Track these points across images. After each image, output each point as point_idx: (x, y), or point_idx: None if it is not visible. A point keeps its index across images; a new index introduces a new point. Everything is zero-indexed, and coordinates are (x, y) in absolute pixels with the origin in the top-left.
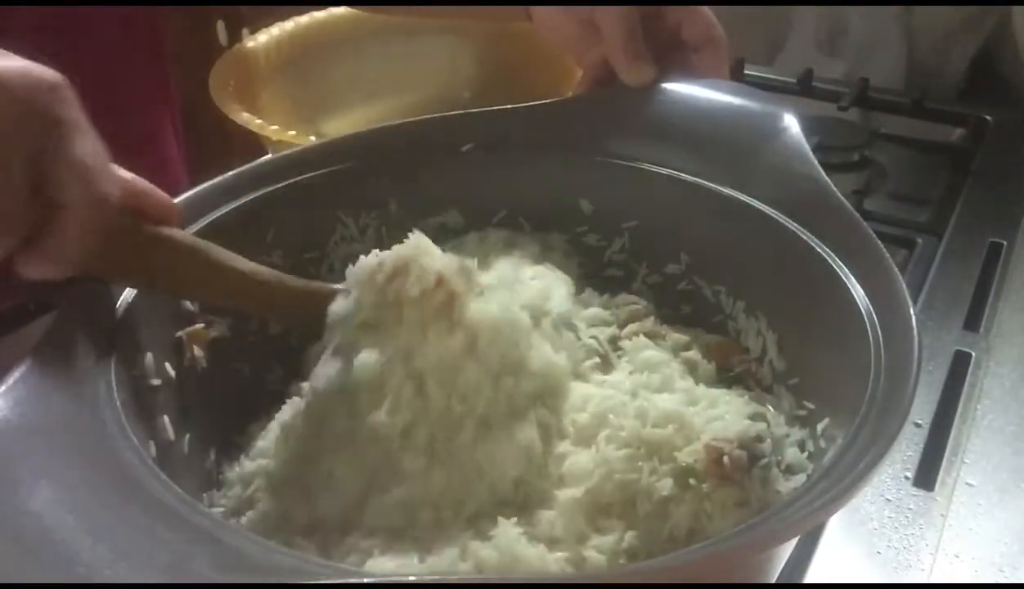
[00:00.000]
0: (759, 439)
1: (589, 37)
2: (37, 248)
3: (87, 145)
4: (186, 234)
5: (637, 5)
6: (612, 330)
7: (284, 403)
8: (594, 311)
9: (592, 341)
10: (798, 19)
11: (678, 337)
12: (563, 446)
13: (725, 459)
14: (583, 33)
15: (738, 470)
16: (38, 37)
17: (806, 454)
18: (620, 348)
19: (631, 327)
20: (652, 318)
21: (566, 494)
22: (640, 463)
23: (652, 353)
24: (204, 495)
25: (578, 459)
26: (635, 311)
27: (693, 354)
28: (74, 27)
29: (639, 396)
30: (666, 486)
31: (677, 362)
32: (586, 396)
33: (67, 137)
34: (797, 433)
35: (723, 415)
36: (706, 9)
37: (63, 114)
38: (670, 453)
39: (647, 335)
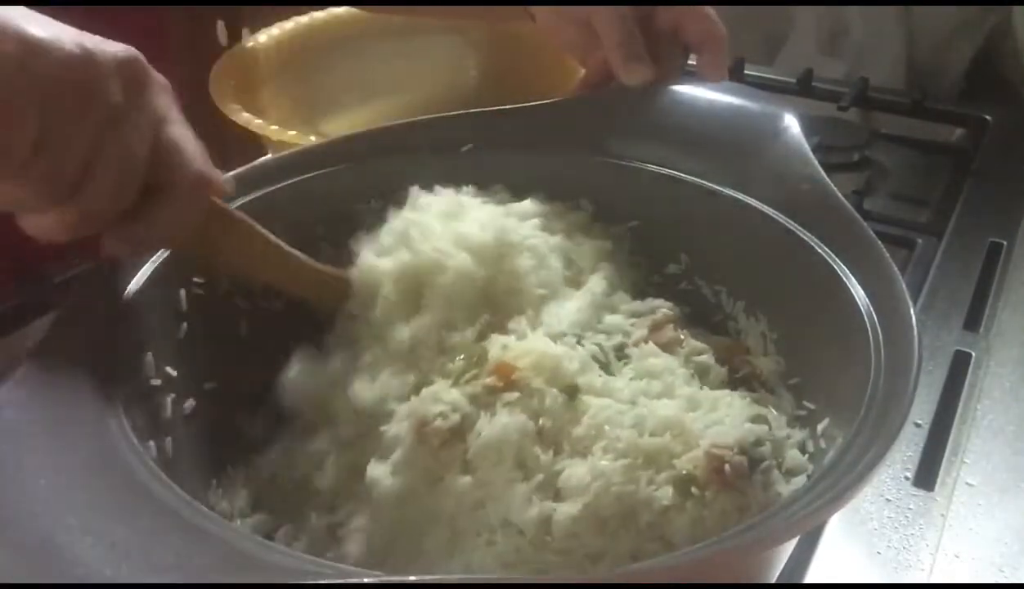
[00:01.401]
0: (759, 442)
1: (590, 38)
2: (132, 225)
3: (182, 135)
4: (243, 214)
5: (633, 5)
6: (619, 338)
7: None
8: (614, 320)
9: (595, 347)
10: (798, 19)
11: (695, 344)
12: (560, 461)
13: (726, 467)
14: (583, 34)
15: (739, 477)
16: None
17: (806, 455)
18: (627, 356)
19: (640, 334)
20: (672, 326)
21: (563, 510)
22: (638, 473)
23: (656, 360)
24: (204, 495)
25: (574, 473)
26: (657, 320)
27: (706, 358)
28: (75, 27)
29: (638, 404)
30: (666, 495)
31: (684, 368)
32: (583, 407)
33: (171, 127)
34: (798, 434)
35: (723, 419)
36: (707, 8)
37: (170, 108)
38: (669, 461)
39: (663, 345)
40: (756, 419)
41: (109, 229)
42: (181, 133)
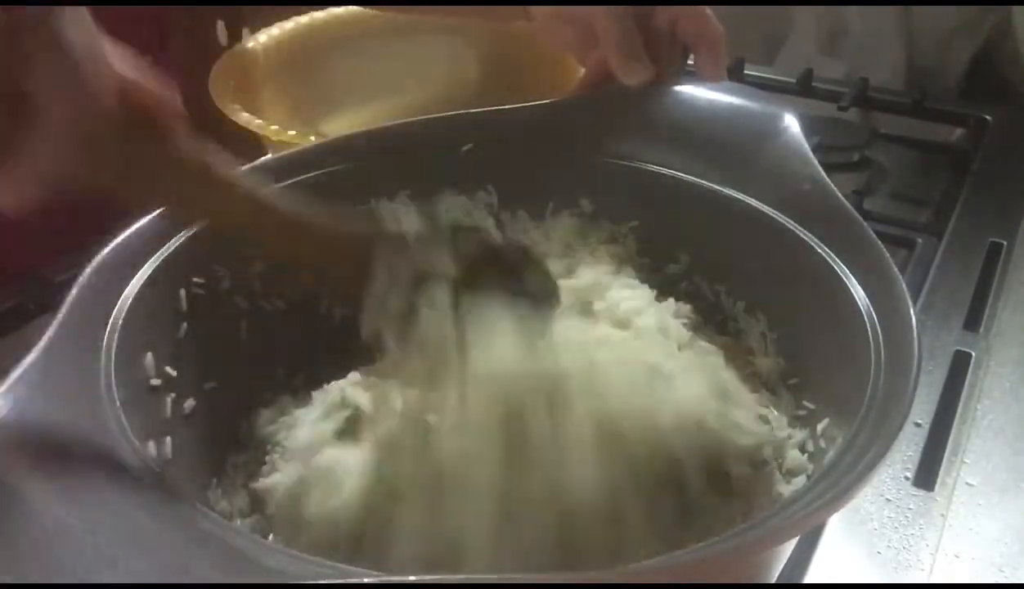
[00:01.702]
0: (762, 446)
1: (588, 38)
2: (10, 164)
3: (75, 34)
4: (194, 149)
5: (631, 5)
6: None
7: (285, 399)
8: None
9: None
10: (798, 19)
11: (705, 346)
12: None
13: (732, 479)
14: (582, 34)
15: (744, 484)
16: None
17: (806, 455)
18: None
19: None
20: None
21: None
22: (643, 480)
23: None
24: (204, 495)
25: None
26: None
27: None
28: None
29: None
30: (672, 504)
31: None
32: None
33: (51, 21)
34: (798, 434)
35: (731, 427)
36: (705, 8)
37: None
38: (673, 470)
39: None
40: (760, 420)
41: None
42: (69, 38)
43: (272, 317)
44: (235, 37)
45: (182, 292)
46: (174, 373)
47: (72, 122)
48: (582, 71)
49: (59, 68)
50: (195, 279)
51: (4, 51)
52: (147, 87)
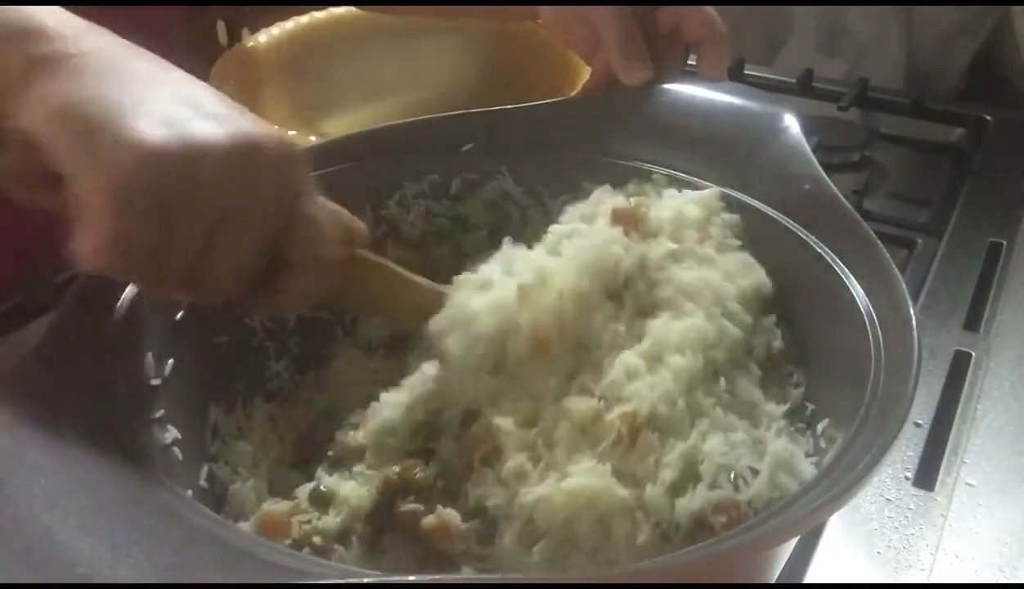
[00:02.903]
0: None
1: (594, 38)
2: (264, 296)
3: (317, 207)
4: (375, 255)
5: (633, 5)
6: None
7: (285, 397)
8: None
9: None
10: (798, 19)
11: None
12: None
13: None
14: (588, 34)
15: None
16: None
17: (805, 454)
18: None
19: None
20: None
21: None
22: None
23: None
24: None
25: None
26: None
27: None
28: None
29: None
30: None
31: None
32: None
33: (304, 202)
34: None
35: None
36: (708, 8)
37: (304, 182)
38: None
39: None
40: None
41: (242, 301)
42: (315, 207)
43: (273, 317)
44: (235, 37)
45: None
46: (174, 373)
47: (314, 275)
48: (587, 70)
49: (307, 237)
50: None
51: (274, 223)
52: (356, 224)
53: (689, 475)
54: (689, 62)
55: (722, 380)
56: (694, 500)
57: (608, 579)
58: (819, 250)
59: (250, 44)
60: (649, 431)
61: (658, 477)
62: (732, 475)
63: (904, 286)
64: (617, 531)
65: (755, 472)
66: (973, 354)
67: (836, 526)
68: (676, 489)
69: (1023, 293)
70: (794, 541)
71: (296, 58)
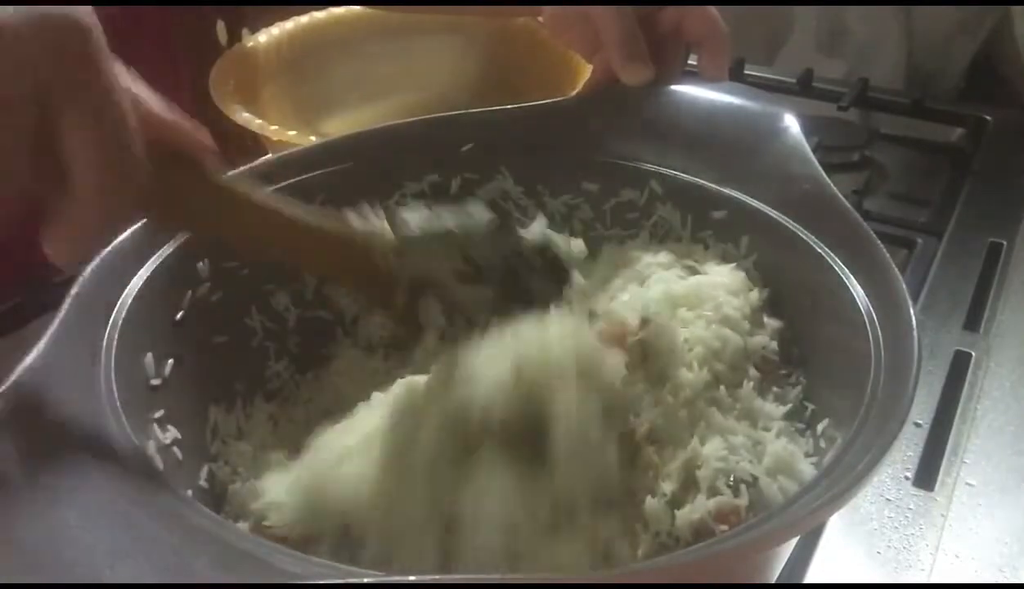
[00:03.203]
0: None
1: (595, 38)
2: (57, 222)
3: (114, 89)
4: (223, 175)
5: (634, 5)
6: None
7: (285, 397)
8: None
9: None
10: (798, 19)
11: None
12: None
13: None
14: (589, 33)
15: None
16: None
17: (805, 454)
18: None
19: None
20: None
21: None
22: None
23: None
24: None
25: None
26: None
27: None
28: None
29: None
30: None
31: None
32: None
33: (83, 82)
34: (798, 435)
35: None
36: (710, 8)
37: (85, 54)
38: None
39: None
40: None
41: (43, 229)
42: (109, 88)
43: (273, 317)
44: (235, 37)
45: (182, 292)
46: (174, 373)
47: (108, 185)
48: (590, 70)
49: (91, 135)
50: (196, 279)
51: (39, 123)
52: (180, 126)
53: (689, 484)
54: (689, 62)
55: (722, 386)
56: (694, 510)
57: (608, 579)
58: (819, 250)
59: (250, 44)
60: (648, 445)
61: (658, 490)
62: (731, 479)
63: (904, 286)
64: (618, 552)
65: (754, 476)
66: (973, 354)
67: (836, 526)
68: (676, 501)
69: (1023, 293)
70: (794, 541)
71: (296, 58)
